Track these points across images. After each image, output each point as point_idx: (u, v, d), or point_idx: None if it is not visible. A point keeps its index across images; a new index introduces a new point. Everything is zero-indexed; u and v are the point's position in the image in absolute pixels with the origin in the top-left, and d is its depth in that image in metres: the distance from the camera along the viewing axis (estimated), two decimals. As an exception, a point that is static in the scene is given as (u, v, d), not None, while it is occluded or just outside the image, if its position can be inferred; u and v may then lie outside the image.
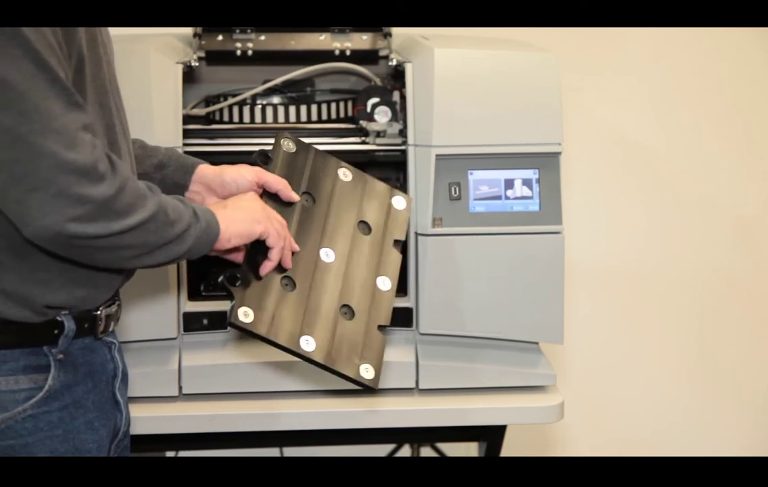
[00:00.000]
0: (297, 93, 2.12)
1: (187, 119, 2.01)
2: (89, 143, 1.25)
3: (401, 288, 1.98)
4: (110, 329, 1.45)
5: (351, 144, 1.99)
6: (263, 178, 1.60)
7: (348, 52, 2.11)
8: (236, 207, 1.50)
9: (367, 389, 1.58)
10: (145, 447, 2.09)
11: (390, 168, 2.07)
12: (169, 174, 1.59)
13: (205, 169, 1.61)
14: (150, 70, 1.86)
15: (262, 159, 1.65)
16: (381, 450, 2.69)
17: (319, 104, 2.09)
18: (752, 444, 3.01)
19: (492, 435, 2.11)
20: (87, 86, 1.33)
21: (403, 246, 1.96)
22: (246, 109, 2.06)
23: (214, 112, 2.07)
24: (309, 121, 2.07)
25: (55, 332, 1.35)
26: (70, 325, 1.36)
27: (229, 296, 1.51)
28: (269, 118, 2.06)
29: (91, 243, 1.26)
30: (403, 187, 1.97)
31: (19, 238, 1.29)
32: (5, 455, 1.31)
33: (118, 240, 1.28)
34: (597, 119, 2.88)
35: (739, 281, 2.99)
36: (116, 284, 1.45)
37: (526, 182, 1.93)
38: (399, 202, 1.75)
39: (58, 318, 1.35)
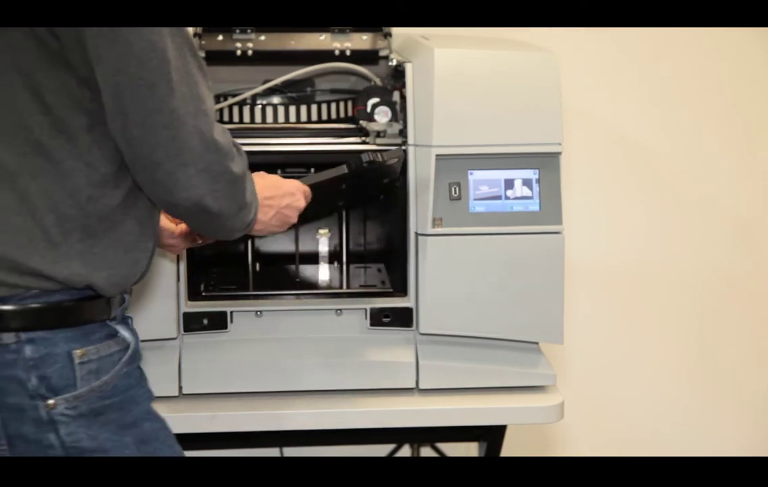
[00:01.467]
0: (297, 93, 2.12)
1: (187, 119, 2.00)
2: (221, 126, 1.39)
3: (401, 288, 1.99)
4: None
5: (351, 144, 1.99)
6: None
7: (348, 52, 2.11)
8: (278, 214, 1.63)
9: None
10: (145, 447, 2.09)
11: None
12: None
13: None
14: (150, 70, 1.85)
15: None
16: (381, 450, 2.69)
17: (319, 104, 2.09)
18: (752, 444, 3.01)
19: (492, 435, 2.11)
20: None
21: (403, 246, 1.97)
22: (246, 109, 2.06)
23: (214, 112, 2.07)
24: (309, 121, 2.07)
25: (111, 304, 1.41)
26: (127, 297, 1.45)
27: None
28: (269, 118, 2.06)
29: (216, 219, 1.40)
30: (403, 187, 1.97)
31: (128, 218, 1.38)
32: (120, 410, 1.38)
33: (234, 219, 1.43)
34: (597, 119, 2.88)
35: (739, 281, 2.99)
36: None
37: (526, 182, 1.93)
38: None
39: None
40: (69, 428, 1.33)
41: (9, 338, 1.30)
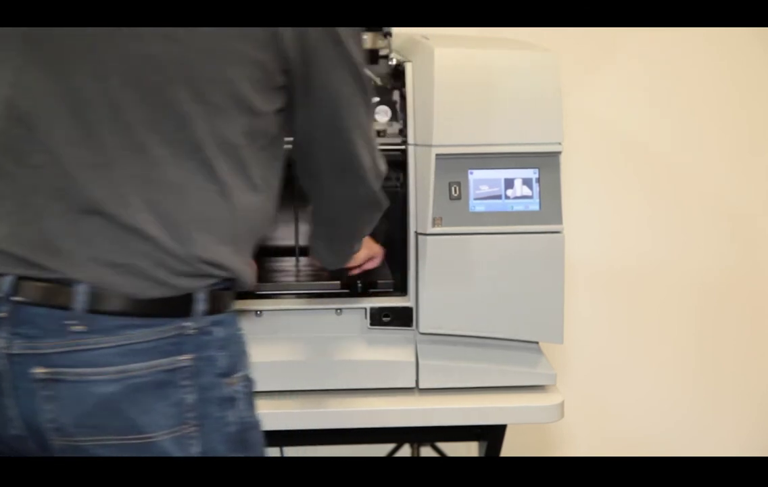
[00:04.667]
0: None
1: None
2: None
3: (401, 287, 1.98)
4: None
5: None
6: None
7: (348, 52, 2.11)
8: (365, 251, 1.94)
9: None
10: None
11: (390, 167, 2.07)
12: None
13: None
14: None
15: None
16: (381, 450, 2.69)
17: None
18: (752, 444, 3.01)
19: (492, 435, 2.11)
20: None
21: (403, 245, 1.97)
22: (246, 109, 2.05)
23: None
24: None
25: None
26: None
27: None
28: (269, 117, 2.05)
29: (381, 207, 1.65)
30: (403, 187, 1.97)
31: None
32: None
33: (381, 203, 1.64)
34: (597, 119, 2.88)
35: (740, 281, 2.99)
36: None
37: (526, 182, 1.93)
38: None
39: None
40: (242, 405, 1.41)
41: (205, 321, 1.36)
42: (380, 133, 1.97)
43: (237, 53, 1.35)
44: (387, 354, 1.96)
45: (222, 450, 1.38)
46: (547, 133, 1.92)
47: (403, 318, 1.96)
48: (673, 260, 2.95)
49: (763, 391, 3.04)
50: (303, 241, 2.12)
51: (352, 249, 1.76)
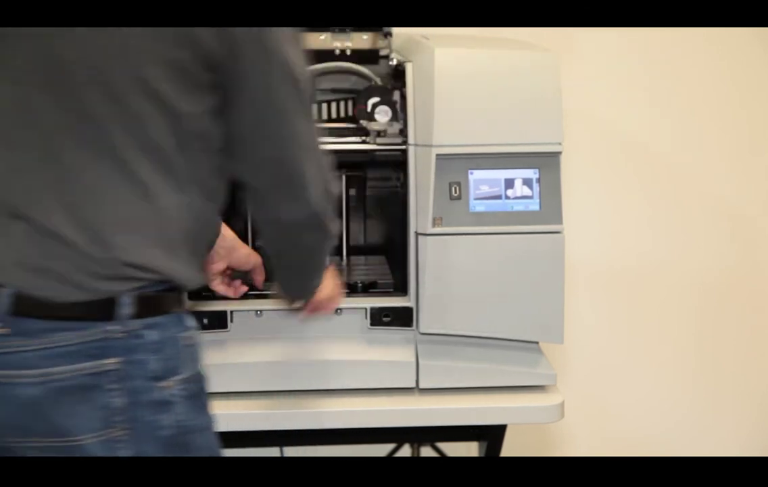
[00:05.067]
0: (297, 93, 2.11)
1: (187, 119, 2.00)
2: None
3: (401, 287, 1.98)
4: None
5: (351, 143, 1.99)
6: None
7: (348, 52, 2.11)
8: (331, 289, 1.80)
9: None
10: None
11: (390, 168, 2.07)
12: None
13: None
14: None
15: None
16: (381, 450, 2.69)
17: (319, 104, 2.08)
18: (752, 444, 3.01)
19: (492, 435, 2.11)
20: None
21: (403, 245, 1.97)
22: (246, 109, 2.05)
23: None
24: (309, 120, 2.06)
25: (182, 297, 1.49)
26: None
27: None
28: (269, 117, 2.05)
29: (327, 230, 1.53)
30: (403, 187, 1.97)
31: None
32: (203, 394, 1.46)
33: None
34: (597, 119, 2.88)
35: (740, 281, 2.99)
36: None
37: (527, 182, 1.93)
38: None
39: None
40: (180, 408, 1.38)
41: (135, 324, 1.34)
42: (380, 133, 1.97)
43: (150, 53, 1.33)
44: (387, 354, 1.96)
45: (155, 454, 1.36)
46: (547, 133, 1.92)
47: (403, 318, 1.96)
48: (673, 260, 2.95)
49: (763, 391, 3.04)
50: None
51: (311, 281, 1.68)
